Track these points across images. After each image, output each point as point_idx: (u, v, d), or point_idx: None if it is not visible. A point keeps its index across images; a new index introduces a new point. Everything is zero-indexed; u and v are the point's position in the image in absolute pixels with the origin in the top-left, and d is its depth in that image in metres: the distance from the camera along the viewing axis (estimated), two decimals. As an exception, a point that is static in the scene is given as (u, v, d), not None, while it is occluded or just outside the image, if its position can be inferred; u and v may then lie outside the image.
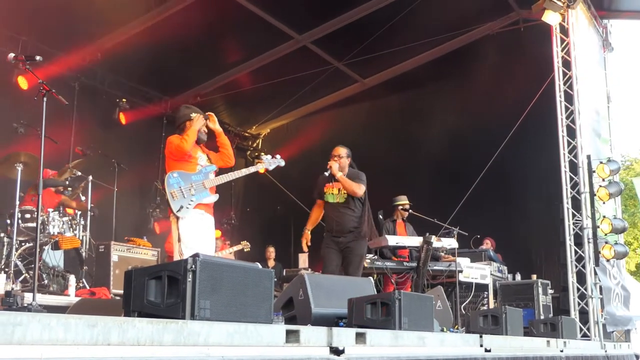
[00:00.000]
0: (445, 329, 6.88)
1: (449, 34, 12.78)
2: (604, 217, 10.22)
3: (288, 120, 15.71)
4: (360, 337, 4.12)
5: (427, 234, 9.09)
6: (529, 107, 11.53)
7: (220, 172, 6.67)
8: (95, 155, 10.68)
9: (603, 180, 10.19)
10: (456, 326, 8.24)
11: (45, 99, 5.35)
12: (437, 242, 9.10)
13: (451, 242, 9.34)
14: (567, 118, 10.70)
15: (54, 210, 8.19)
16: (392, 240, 9.20)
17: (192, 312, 3.24)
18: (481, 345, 5.77)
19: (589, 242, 10.15)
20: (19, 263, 7.51)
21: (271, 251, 12.92)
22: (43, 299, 6.22)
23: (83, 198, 9.10)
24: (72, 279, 7.58)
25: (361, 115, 14.98)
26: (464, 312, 9.60)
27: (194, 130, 6.42)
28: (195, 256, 3.34)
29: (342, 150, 7.84)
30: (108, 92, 12.31)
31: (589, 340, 9.76)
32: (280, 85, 13.05)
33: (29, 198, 8.32)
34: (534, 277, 10.70)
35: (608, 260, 10.43)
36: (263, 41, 12.52)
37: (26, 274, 7.51)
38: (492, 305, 10.01)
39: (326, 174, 7.68)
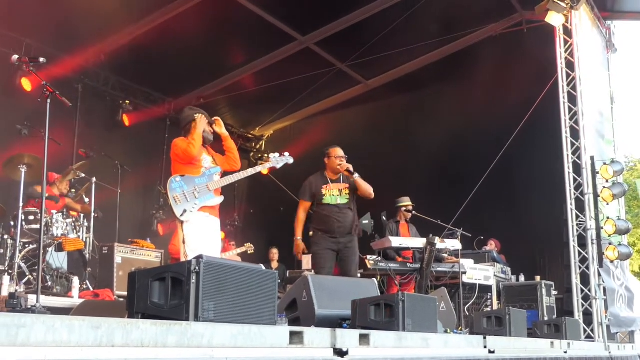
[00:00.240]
0: (449, 330, 6.88)
1: (452, 35, 12.77)
2: (608, 218, 10.20)
3: (291, 122, 15.71)
4: (364, 339, 4.12)
5: (431, 235, 9.08)
6: (532, 108, 11.51)
7: (225, 173, 6.68)
8: (98, 157, 10.70)
9: (607, 181, 10.17)
10: (460, 327, 8.23)
11: (48, 100, 5.35)
12: (440, 244, 9.09)
13: (455, 244, 9.32)
14: (570, 119, 10.69)
15: (58, 212, 8.20)
16: (395, 241, 9.20)
17: (196, 313, 3.24)
18: (485, 347, 5.76)
19: (592, 244, 10.14)
20: (22, 265, 7.52)
21: (274, 253, 12.93)
22: (47, 300, 6.22)
23: (87, 200, 9.11)
24: (75, 280, 7.58)
25: (364, 117, 14.98)
26: (467, 313, 9.58)
27: (199, 133, 6.43)
28: (199, 258, 3.34)
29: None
30: (111, 93, 12.34)
31: (593, 341, 9.75)
32: (284, 86, 13.05)
33: (32, 201, 8.35)
34: (538, 278, 10.67)
35: (612, 262, 10.41)
36: (266, 43, 12.53)
37: (30, 276, 7.52)
38: (495, 307, 9.99)
39: (356, 175, 7.67)
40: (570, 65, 10.85)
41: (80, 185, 9.44)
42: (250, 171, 6.93)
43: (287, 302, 5.57)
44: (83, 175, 9.21)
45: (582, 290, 10.20)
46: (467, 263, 9.69)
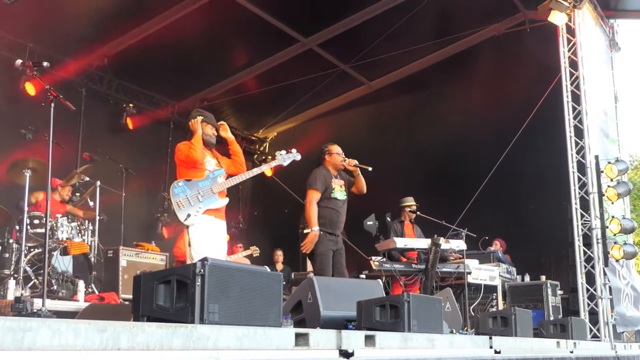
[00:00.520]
0: (454, 331, 6.86)
1: (455, 35, 12.76)
2: (613, 217, 10.18)
3: (295, 124, 15.72)
4: (369, 340, 4.11)
5: (435, 235, 9.07)
6: (536, 107, 11.49)
7: (230, 176, 6.69)
8: (102, 161, 10.73)
9: (611, 180, 10.15)
10: (465, 328, 8.22)
11: (52, 104, 5.36)
12: (445, 244, 9.09)
13: (459, 244, 9.31)
14: (574, 118, 10.67)
15: (63, 216, 8.22)
16: (400, 242, 9.19)
17: (201, 316, 3.24)
18: (491, 347, 5.75)
19: (597, 243, 10.11)
20: (28, 269, 7.53)
21: (279, 254, 12.94)
22: (52, 304, 6.24)
23: (91, 203, 9.12)
24: (81, 284, 7.59)
25: (368, 118, 14.99)
26: (473, 313, 9.58)
27: (198, 136, 6.45)
28: (203, 260, 3.34)
29: None
30: (115, 97, 12.37)
31: (599, 341, 9.72)
32: (287, 88, 13.05)
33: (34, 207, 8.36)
34: (543, 278, 10.67)
35: (617, 261, 10.39)
36: (269, 44, 12.54)
37: (35, 280, 7.52)
38: (501, 307, 9.99)
39: (370, 169, 7.65)
40: (573, 65, 10.83)
41: (84, 189, 9.45)
42: (256, 171, 6.94)
43: (292, 303, 5.56)
44: (87, 178, 9.22)
45: (588, 290, 10.18)
46: (472, 263, 9.68)
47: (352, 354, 3.83)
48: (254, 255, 10.95)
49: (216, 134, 6.68)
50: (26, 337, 2.29)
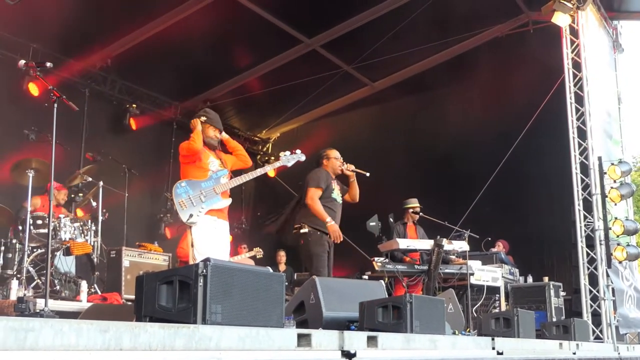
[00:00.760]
0: (457, 332, 6.86)
1: (458, 36, 12.76)
2: (616, 218, 10.17)
3: (298, 124, 15.72)
4: (371, 341, 4.11)
5: (438, 236, 9.07)
6: (539, 109, 11.49)
7: (239, 172, 6.71)
8: (105, 161, 10.73)
9: (614, 181, 10.13)
10: (468, 329, 8.21)
11: (55, 105, 5.36)
12: (448, 245, 9.09)
13: (462, 245, 9.31)
14: (577, 119, 10.65)
15: (66, 216, 8.23)
16: (403, 243, 9.19)
17: (204, 316, 3.24)
18: (493, 348, 5.74)
19: (600, 244, 10.10)
20: (31, 269, 7.54)
21: (282, 255, 12.95)
22: (55, 304, 6.25)
23: (94, 204, 9.13)
24: (83, 284, 7.60)
25: (371, 119, 14.99)
26: (475, 315, 9.57)
27: (197, 131, 6.49)
28: (206, 261, 3.35)
29: None
30: (118, 97, 12.38)
31: (602, 342, 9.71)
32: (290, 89, 13.05)
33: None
34: (546, 279, 10.65)
35: (620, 262, 10.37)
36: (272, 45, 12.54)
37: (38, 280, 7.54)
38: (503, 308, 9.97)
39: (367, 174, 7.63)
40: (577, 66, 10.82)
41: (87, 189, 9.46)
42: (259, 171, 6.96)
43: (294, 304, 5.56)
44: (90, 179, 9.23)
45: (591, 291, 10.16)
46: (475, 264, 9.68)
47: (354, 355, 3.83)
48: (257, 256, 10.95)
49: (219, 136, 6.68)
50: (29, 337, 2.29)
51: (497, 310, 9.89)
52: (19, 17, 9.47)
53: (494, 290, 10.06)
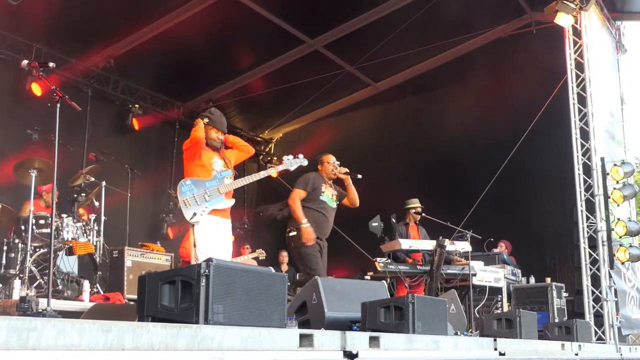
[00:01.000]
0: (459, 333, 6.86)
1: (461, 37, 12.75)
2: (619, 219, 10.16)
3: (300, 125, 15.71)
4: (373, 341, 4.11)
5: (440, 237, 9.07)
6: (542, 109, 11.48)
7: (238, 174, 6.73)
8: (108, 161, 10.74)
9: (617, 182, 10.13)
10: (470, 330, 8.21)
11: (58, 105, 5.36)
12: (450, 246, 9.09)
13: (464, 246, 9.31)
14: (580, 120, 10.65)
15: (68, 216, 8.23)
16: (405, 243, 9.19)
17: (206, 316, 3.25)
18: (495, 349, 5.74)
19: (603, 245, 10.10)
20: (33, 269, 7.55)
21: (284, 255, 12.94)
22: (57, 304, 6.25)
23: (97, 204, 9.13)
24: (86, 284, 7.61)
25: (373, 119, 14.98)
26: (477, 315, 9.56)
27: (200, 126, 6.53)
28: (208, 261, 3.35)
29: None
30: (121, 97, 12.39)
31: (604, 343, 9.70)
32: (293, 89, 13.06)
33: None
34: (548, 280, 10.65)
35: (623, 263, 10.37)
36: (275, 46, 12.55)
37: (40, 280, 7.54)
38: (506, 309, 9.97)
39: (360, 176, 7.70)
40: (579, 67, 10.81)
41: (90, 189, 9.46)
42: (263, 174, 6.99)
43: (296, 304, 5.56)
44: (93, 179, 9.23)
45: (593, 292, 10.16)
46: (477, 265, 9.67)
47: (356, 355, 3.83)
48: (260, 258, 10.95)
49: (221, 137, 6.68)
50: (31, 336, 2.30)
51: (499, 311, 9.88)
52: (22, 17, 9.48)
53: (496, 291, 10.05)
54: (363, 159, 13.71)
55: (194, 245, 6.19)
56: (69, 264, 8.10)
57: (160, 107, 13.33)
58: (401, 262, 9.33)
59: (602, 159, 10.29)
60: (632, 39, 13.34)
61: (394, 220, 10.19)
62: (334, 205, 7.72)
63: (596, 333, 9.92)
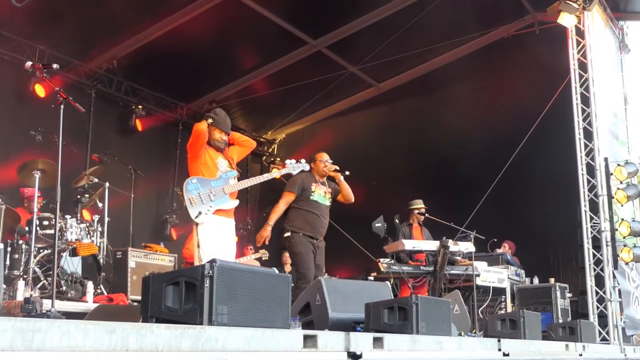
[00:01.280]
0: (462, 333, 6.85)
1: (464, 37, 12.75)
2: (622, 219, 10.14)
3: (303, 125, 15.71)
4: (377, 342, 4.11)
5: (444, 237, 9.07)
6: (545, 109, 11.48)
7: (242, 175, 6.73)
8: (111, 162, 10.75)
9: (621, 182, 10.11)
10: (474, 330, 8.20)
11: (62, 106, 5.37)
12: (454, 246, 9.08)
13: (468, 246, 9.31)
14: (583, 120, 10.64)
15: (72, 217, 8.24)
16: (408, 244, 9.19)
17: (210, 317, 3.24)
18: (499, 350, 5.74)
19: (607, 245, 10.08)
20: (37, 270, 7.55)
21: (287, 256, 12.91)
22: (61, 305, 6.24)
23: (100, 205, 9.14)
24: (90, 285, 7.61)
25: (376, 119, 14.99)
26: (481, 316, 9.56)
27: (203, 122, 6.52)
28: (212, 262, 3.35)
29: None
30: (124, 99, 12.40)
31: (608, 344, 9.69)
32: (296, 90, 13.06)
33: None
34: (552, 280, 10.64)
35: (627, 264, 10.35)
36: (278, 46, 12.55)
37: (44, 281, 7.54)
38: (509, 309, 9.96)
39: (347, 173, 7.77)
40: (583, 67, 10.80)
41: (93, 190, 9.47)
42: (266, 176, 7.00)
43: (300, 305, 5.56)
44: (96, 180, 9.24)
45: (597, 293, 10.14)
46: (481, 265, 9.66)
47: (360, 356, 3.83)
48: (263, 258, 10.95)
49: (225, 138, 6.67)
50: (36, 337, 2.30)
51: (503, 312, 9.88)
52: (26, 19, 9.49)
53: (500, 291, 10.04)
54: (366, 160, 13.74)
55: (198, 246, 6.19)
56: (72, 265, 8.09)
57: (164, 108, 13.34)
58: (404, 263, 9.32)
59: (606, 159, 10.27)
60: (635, 38, 13.32)
61: (397, 221, 10.19)
62: (328, 202, 7.83)
63: (600, 333, 9.91)
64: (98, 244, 8.58)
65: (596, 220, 10.31)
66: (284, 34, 11.89)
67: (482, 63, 13.12)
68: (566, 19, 10.51)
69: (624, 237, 10.14)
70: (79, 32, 10.42)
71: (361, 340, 3.95)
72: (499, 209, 11.87)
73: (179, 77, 12.45)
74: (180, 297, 3.36)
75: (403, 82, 14.28)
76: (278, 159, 15.58)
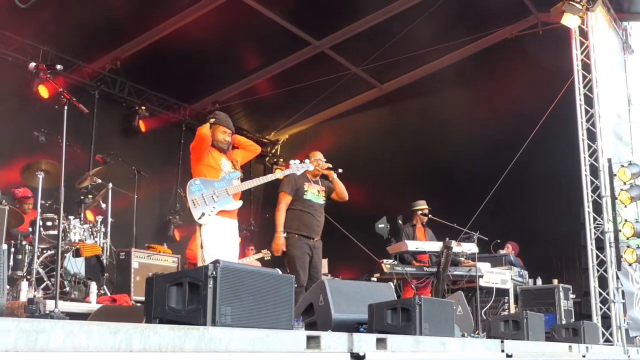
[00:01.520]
0: (466, 334, 6.85)
1: (467, 38, 12.74)
2: (626, 220, 10.13)
3: (306, 126, 15.72)
4: (380, 343, 4.11)
5: (447, 238, 9.06)
6: (548, 110, 11.46)
7: (245, 176, 6.73)
8: (115, 163, 10.76)
9: (624, 183, 10.10)
10: (477, 331, 8.19)
11: (65, 107, 5.38)
12: (457, 247, 9.08)
13: (471, 247, 9.30)
14: (587, 121, 10.62)
15: (75, 218, 8.26)
16: (412, 245, 9.19)
17: (213, 318, 3.25)
18: (502, 351, 5.73)
19: (610, 246, 10.06)
20: (40, 270, 7.57)
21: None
22: (65, 306, 6.25)
23: (104, 205, 9.15)
24: (93, 286, 7.62)
25: (379, 120, 14.99)
26: (484, 317, 9.55)
27: (206, 125, 6.52)
28: (215, 262, 3.35)
29: None
30: (127, 100, 12.42)
31: (612, 345, 9.67)
32: (299, 91, 13.08)
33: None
34: (555, 281, 10.62)
35: (630, 265, 10.33)
36: (281, 47, 12.56)
37: (48, 281, 7.57)
38: (513, 310, 9.94)
39: (340, 170, 7.76)
40: (586, 67, 10.78)
41: (97, 191, 9.49)
42: (270, 177, 6.98)
43: (303, 306, 5.56)
44: (100, 181, 9.26)
45: (600, 294, 10.12)
46: (484, 266, 9.65)
47: (363, 357, 3.83)
48: (265, 258, 10.94)
49: (228, 139, 6.66)
50: (39, 338, 2.30)
51: (506, 313, 9.87)
52: (30, 20, 9.51)
53: (503, 292, 10.03)
54: (369, 161, 13.75)
55: (201, 247, 6.18)
56: (76, 266, 8.11)
57: (167, 109, 13.36)
58: (408, 264, 9.32)
59: (609, 160, 10.25)
60: (639, 39, 13.29)
61: (400, 222, 10.20)
62: (322, 201, 7.80)
63: (603, 335, 9.89)
64: (101, 245, 8.60)
65: (599, 221, 10.29)
66: (287, 35, 11.90)
67: (485, 64, 13.12)
68: (569, 20, 10.49)
69: (628, 238, 10.13)
70: (82, 33, 10.43)
71: (364, 341, 3.95)
72: (502, 210, 11.86)
73: (183, 78, 12.46)
74: (184, 297, 3.37)
75: (406, 83, 14.28)
76: (281, 159, 15.59)
